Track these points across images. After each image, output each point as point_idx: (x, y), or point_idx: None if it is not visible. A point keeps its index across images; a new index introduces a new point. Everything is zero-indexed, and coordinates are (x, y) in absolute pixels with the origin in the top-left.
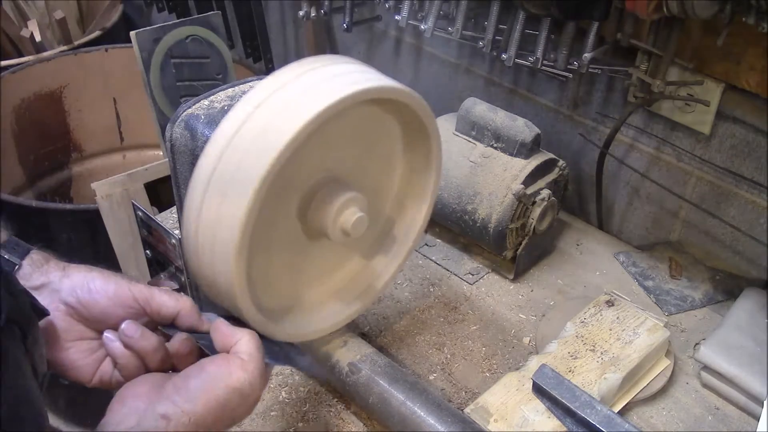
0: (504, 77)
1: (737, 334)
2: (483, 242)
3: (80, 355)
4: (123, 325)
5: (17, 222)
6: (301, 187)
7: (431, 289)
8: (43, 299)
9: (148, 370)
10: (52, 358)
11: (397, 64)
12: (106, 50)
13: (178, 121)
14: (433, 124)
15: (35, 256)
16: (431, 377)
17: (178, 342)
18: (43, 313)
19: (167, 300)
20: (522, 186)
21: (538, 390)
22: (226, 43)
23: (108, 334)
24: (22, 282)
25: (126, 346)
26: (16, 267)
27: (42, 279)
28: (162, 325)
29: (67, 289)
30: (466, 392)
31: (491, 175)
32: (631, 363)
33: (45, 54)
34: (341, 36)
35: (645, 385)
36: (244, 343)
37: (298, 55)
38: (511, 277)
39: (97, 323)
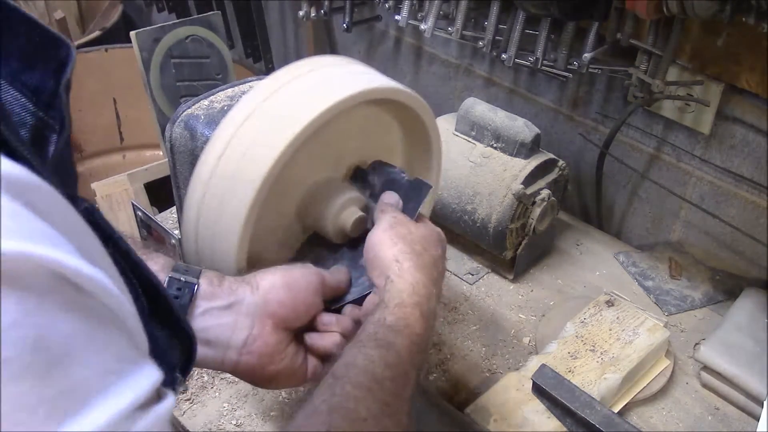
0: (504, 77)
1: (737, 334)
2: (483, 242)
3: (293, 362)
4: (321, 319)
5: None
6: (300, 187)
7: None
8: (240, 318)
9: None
10: (266, 375)
11: (397, 64)
12: (106, 50)
13: (178, 121)
14: (433, 124)
15: (209, 274)
16: (431, 377)
17: (354, 311)
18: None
19: (335, 278)
20: (522, 186)
21: (538, 390)
22: (226, 43)
23: (312, 336)
24: (205, 303)
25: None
26: (196, 287)
27: (230, 298)
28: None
29: (266, 298)
30: (466, 392)
31: (491, 175)
32: (630, 363)
33: None
34: (341, 36)
35: (645, 385)
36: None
37: (298, 55)
38: (511, 277)
39: (296, 320)
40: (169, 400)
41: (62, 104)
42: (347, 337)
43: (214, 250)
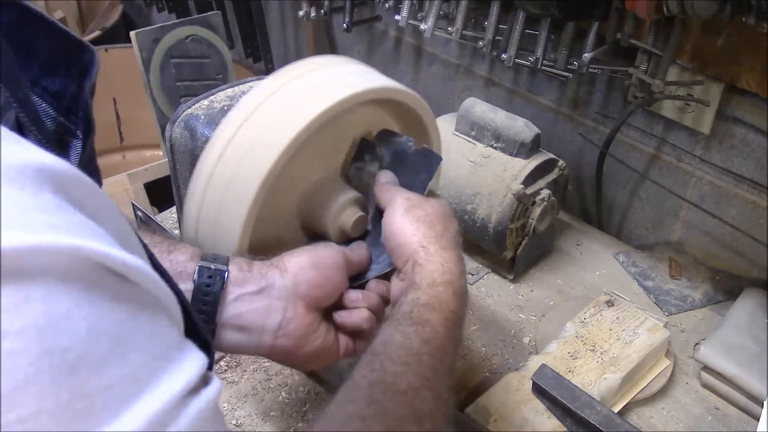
0: (504, 77)
1: (737, 334)
2: (483, 242)
3: (325, 340)
4: (348, 296)
5: None
6: (301, 187)
7: None
8: (272, 302)
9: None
10: (301, 356)
11: (397, 64)
12: (106, 50)
13: (178, 121)
14: (433, 124)
15: (238, 260)
16: None
17: (378, 287)
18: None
19: (357, 254)
20: (522, 186)
21: (538, 390)
22: (226, 43)
23: (341, 314)
24: (237, 290)
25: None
26: (227, 275)
27: (261, 282)
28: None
29: (295, 281)
30: (466, 392)
31: (491, 175)
32: (630, 363)
33: None
34: (341, 36)
35: (645, 385)
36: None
37: (298, 55)
38: (511, 277)
39: (326, 299)
40: (216, 383)
41: (87, 108)
42: (375, 311)
43: (215, 251)
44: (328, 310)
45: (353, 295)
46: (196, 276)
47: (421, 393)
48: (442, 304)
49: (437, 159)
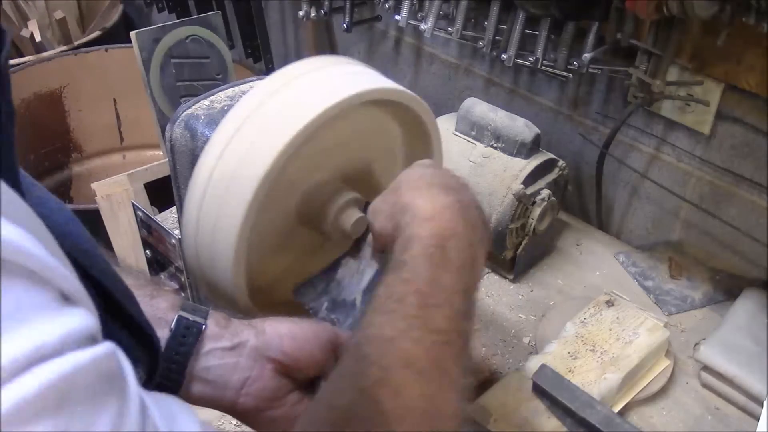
0: (504, 77)
1: (737, 334)
2: None
3: (290, 411)
4: None
5: None
6: (300, 188)
7: None
8: (241, 360)
9: None
10: (264, 419)
11: (397, 64)
12: (106, 50)
13: (178, 121)
14: (434, 125)
15: (216, 315)
16: None
17: None
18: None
19: None
20: (522, 186)
21: (538, 390)
22: (226, 43)
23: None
24: (210, 344)
25: None
26: (204, 327)
27: (234, 339)
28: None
29: (268, 344)
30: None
31: (491, 175)
32: (630, 363)
33: (45, 54)
34: (341, 36)
35: (645, 385)
36: None
37: (298, 55)
38: (511, 277)
39: (299, 371)
40: (105, 345)
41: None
42: None
43: (214, 250)
44: (310, 381)
45: None
46: (173, 325)
47: (410, 333)
48: (420, 240)
49: None
